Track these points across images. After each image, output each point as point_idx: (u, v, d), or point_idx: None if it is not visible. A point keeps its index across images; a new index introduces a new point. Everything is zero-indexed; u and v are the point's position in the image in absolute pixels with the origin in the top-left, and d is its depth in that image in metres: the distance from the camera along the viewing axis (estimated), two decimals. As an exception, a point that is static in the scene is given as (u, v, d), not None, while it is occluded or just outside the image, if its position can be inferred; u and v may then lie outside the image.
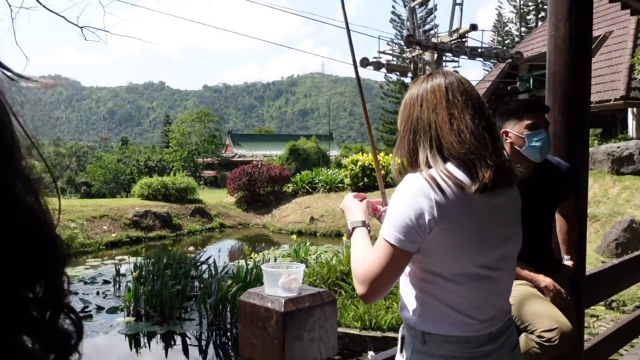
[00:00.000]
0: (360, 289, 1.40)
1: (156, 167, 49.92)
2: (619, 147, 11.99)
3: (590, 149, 13.00)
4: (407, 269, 1.46)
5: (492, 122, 1.42)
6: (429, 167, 1.37)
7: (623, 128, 20.53)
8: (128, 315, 7.78)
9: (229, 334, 7.32)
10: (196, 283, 8.76)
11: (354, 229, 1.56)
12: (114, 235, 14.50)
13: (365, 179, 18.31)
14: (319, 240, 15.51)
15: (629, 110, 17.59)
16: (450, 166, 1.36)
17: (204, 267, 9.32)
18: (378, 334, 6.14)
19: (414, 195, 1.32)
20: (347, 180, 18.86)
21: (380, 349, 6.05)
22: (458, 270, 1.37)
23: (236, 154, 60.39)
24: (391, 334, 6.09)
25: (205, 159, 54.50)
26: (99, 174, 52.27)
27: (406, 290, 1.49)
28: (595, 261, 9.08)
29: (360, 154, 20.35)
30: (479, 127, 1.37)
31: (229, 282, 7.59)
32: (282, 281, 1.97)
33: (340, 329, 6.30)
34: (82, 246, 13.12)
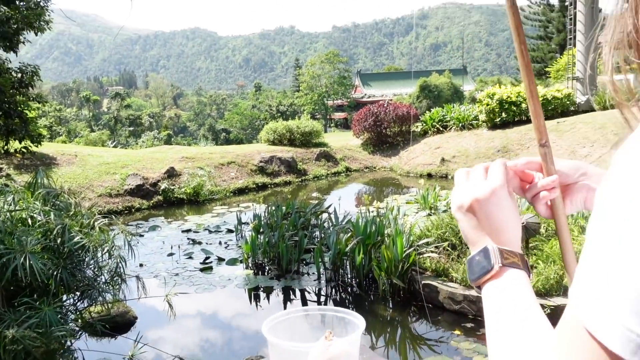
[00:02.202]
0: None
1: (287, 112, 50.97)
2: None
3: None
4: None
5: None
6: None
7: None
8: (247, 268, 7.51)
9: (349, 289, 6.75)
10: (317, 233, 8.29)
11: (488, 274, 0.69)
12: (240, 182, 14.58)
13: (503, 114, 16.54)
14: (450, 184, 14.35)
15: None
16: None
17: (325, 216, 8.79)
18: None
19: None
20: (482, 117, 17.22)
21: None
22: None
23: (365, 94, 59.73)
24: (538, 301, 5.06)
25: (335, 101, 54.54)
26: (236, 121, 54.76)
27: None
28: None
29: (497, 86, 18.41)
30: None
31: (348, 234, 6.94)
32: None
33: (473, 292, 5.41)
34: (210, 193, 13.30)
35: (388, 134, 19.03)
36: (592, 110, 16.48)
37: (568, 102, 16.77)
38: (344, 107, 54.64)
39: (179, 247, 8.66)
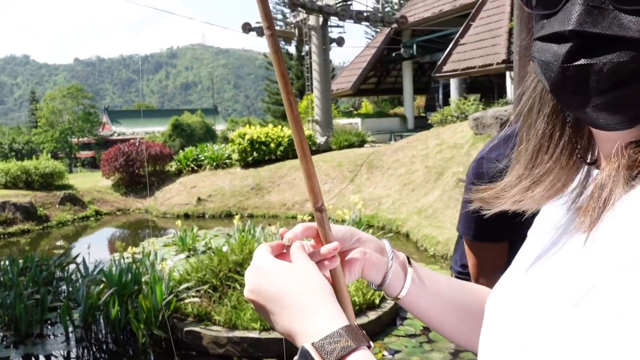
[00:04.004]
0: None
1: (23, 150, 45.34)
2: (506, 110, 12.05)
3: (479, 114, 13.03)
4: None
5: None
6: None
7: (500, 93, 21.30)
8: (-28, 338, 6.33)
9: (105, 347, 6.18)
10: (63, 287, 7.45)
11: None
12: (-37, 234, 12.38)
13: (254, 153, 17.33)
14: (207, 223, 14.39)
15: (507, 74, 18.09)
16: None
17: (72, 267, 7.97)
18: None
19: None
20: (235, 156, 17.78)
21: (285, 352, 5.28)
22: None
23: (115, 132, 56.84)
24: (296, 334, 5.31)
25: (80, 139, 50.46)
26: (-45, 161, 46.49)
27: None
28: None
29: (247, 126, 19.26)
30: None
31: (101, 285, 6.39)
32: None
33: (236, 333, 5.44)
34: None
35: (141, 174, 18.30)
36: (330, 149, 18.37)
37: (310, 143, 18.37)
38: (91, 145, 50.96)
39: None
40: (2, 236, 13.27)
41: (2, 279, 7.27)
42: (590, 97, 0.43)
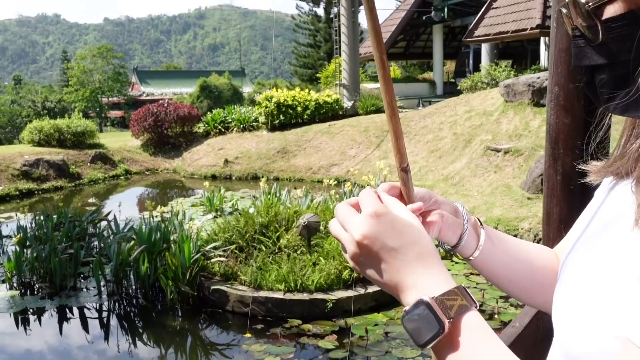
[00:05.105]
0: None
1: (55, 108, 46.09)
2: (538, 77, 11.76)
3: (510, 80, 12.75)
4: None
5: None
6: None
7: (533, 59, 20.73)
8: (11, 289, 6.63)
9: (134, 301, 6.42)
10: (95, 243, 7.70)
11: (440, 337, 0.56)
12: (-1, 188, 12.80)
13: (281, 116, 17.34)
14: (234, 185, 14.58)
15: (542, 40, 17.57)
16: None
17: (104, 224, 8.21)
18: (305, 296, 5.46)
19: None
20: (262, 119, 17.82)
21: (308, 313, 5.42)
22: None
23: (144, 92, 57.24)
24: (320, 296, 5.43)
25: (110, 99, 51.04)
26: (-10, 117, 47.49)
27: None
28: (521, 197, 8.88)
29: (274, 89, 19.20)
30: None
31: (131, 242, 6.59)
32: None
33: (261, 293, 5.58)
34: (-40, 204, 11.43)
35: (170, 135, 18.51)
36: (357, 114, 18.25)
37: (337, 107, 18.28)
38: (120, 105, 51.57)
39: None
40: (36, 192, 13.68)
41: (37, 233, 7.56)
42: (607, 104, 0.56)
